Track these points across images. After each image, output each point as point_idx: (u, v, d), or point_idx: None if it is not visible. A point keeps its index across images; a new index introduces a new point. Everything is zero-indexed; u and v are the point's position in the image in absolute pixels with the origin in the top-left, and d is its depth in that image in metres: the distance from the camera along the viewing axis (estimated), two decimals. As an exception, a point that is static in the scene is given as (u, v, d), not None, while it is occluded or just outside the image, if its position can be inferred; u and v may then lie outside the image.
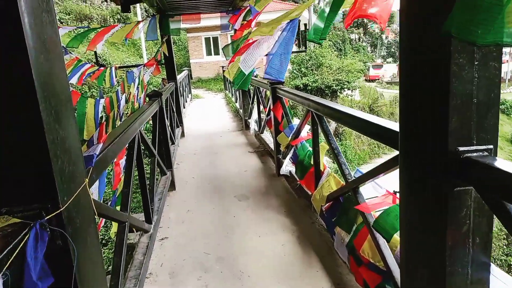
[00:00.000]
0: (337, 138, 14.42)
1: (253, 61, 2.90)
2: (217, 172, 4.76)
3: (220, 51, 21.02)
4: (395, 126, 1.68)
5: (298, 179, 3.45)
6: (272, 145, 5.06)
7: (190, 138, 6.97)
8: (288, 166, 3.92)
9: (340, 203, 2.62)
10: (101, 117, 3.90)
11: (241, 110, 8.01)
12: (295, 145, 3.65)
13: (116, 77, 6.62)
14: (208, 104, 12.36)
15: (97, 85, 5.73)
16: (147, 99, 4.15)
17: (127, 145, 2.49)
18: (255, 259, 2.67)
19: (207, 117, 9.54)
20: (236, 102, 9.75)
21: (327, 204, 2.78)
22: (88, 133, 3.39)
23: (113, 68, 6.30)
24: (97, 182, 2.28)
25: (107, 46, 14.75)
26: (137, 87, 5.75)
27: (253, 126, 6.18)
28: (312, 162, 3.15)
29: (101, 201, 2.26)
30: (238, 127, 7.68)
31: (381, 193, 2.21)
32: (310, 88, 12.90)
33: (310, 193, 3.23)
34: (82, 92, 8.51)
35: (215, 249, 2.82)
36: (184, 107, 9.80)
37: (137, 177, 2.77)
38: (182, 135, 6.93)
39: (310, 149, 3.33)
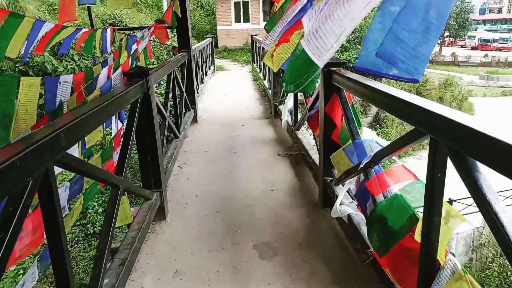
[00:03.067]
0: (378, 125, 12.53)
1: (338, 33, 1.40)
2: (232, 189, 3.29)
3: (249, 17, 19.04)
4: None
5: (372, 250, 1.90)
6: (313, 153, 3.49)
7: (204, 125, 5.49)
8: (345, 205, 2.38)
9: None
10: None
11: (270, 91, 6.40)
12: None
13: (114, 42, 5.16)
14: (233, 79, 10.74)
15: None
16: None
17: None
18: None
19: (228, 95, 7.98)
20: (265, 80, 8.10)
21: None
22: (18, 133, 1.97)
23: (108, 30, 4.82)
24: None
25: (125, 6, 13.20)
26: (136, 57, 4.25)
27: (286, 117, 4.60)
28: (411, 231, 1.58)
29: None
30: (266, 113, 6.10)
31: None
32: (352, 66, 10.91)
33: (397, 286, 1.70)
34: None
35: None
36: (202, 82, 8.27)
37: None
38: (194, 120, 5.47)
39: (404, 197, 1.75)
